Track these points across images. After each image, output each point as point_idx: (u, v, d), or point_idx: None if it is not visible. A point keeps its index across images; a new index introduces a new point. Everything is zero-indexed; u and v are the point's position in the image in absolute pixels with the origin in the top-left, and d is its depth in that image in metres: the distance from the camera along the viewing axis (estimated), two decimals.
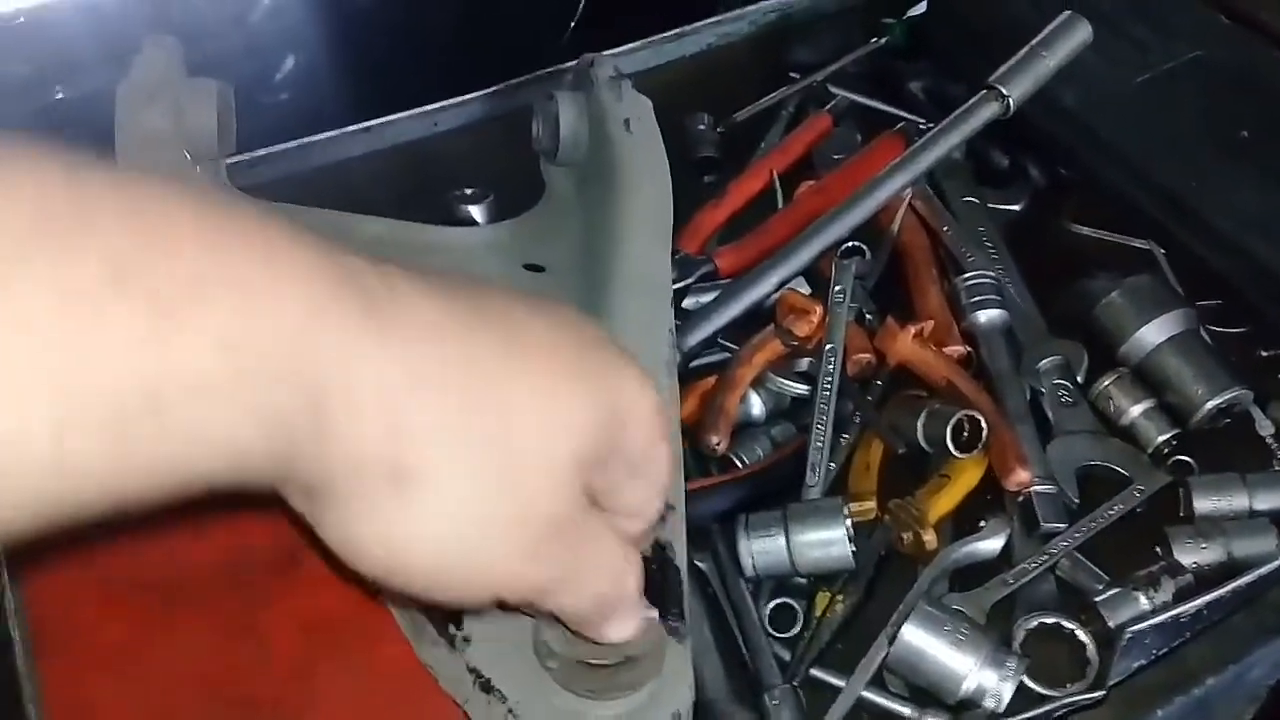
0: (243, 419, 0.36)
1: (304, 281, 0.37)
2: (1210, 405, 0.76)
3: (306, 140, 0.93)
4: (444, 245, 0.86)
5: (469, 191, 0.89)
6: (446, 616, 0.58)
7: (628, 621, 0.51)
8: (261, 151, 0.91)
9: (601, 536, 0.48)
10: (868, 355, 0.81)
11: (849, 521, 0.70)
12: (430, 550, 0.42)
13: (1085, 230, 0.93)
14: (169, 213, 0.36)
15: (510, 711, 0.55)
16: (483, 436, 0.42)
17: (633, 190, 0.82)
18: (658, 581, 0.61)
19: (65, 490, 0.34)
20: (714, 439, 0.74)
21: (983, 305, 0.82)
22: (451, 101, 0.98)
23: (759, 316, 0.82)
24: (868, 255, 0.86)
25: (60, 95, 1.11)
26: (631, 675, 0.55)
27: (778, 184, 0.92)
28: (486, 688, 0.56)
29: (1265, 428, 0.78)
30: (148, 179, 0.37)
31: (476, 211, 0.89)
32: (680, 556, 0.63)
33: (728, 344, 0.82)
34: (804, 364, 0.81)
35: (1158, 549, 0.72)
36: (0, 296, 0.32)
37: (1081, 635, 0.67)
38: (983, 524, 0.73)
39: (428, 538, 0.42)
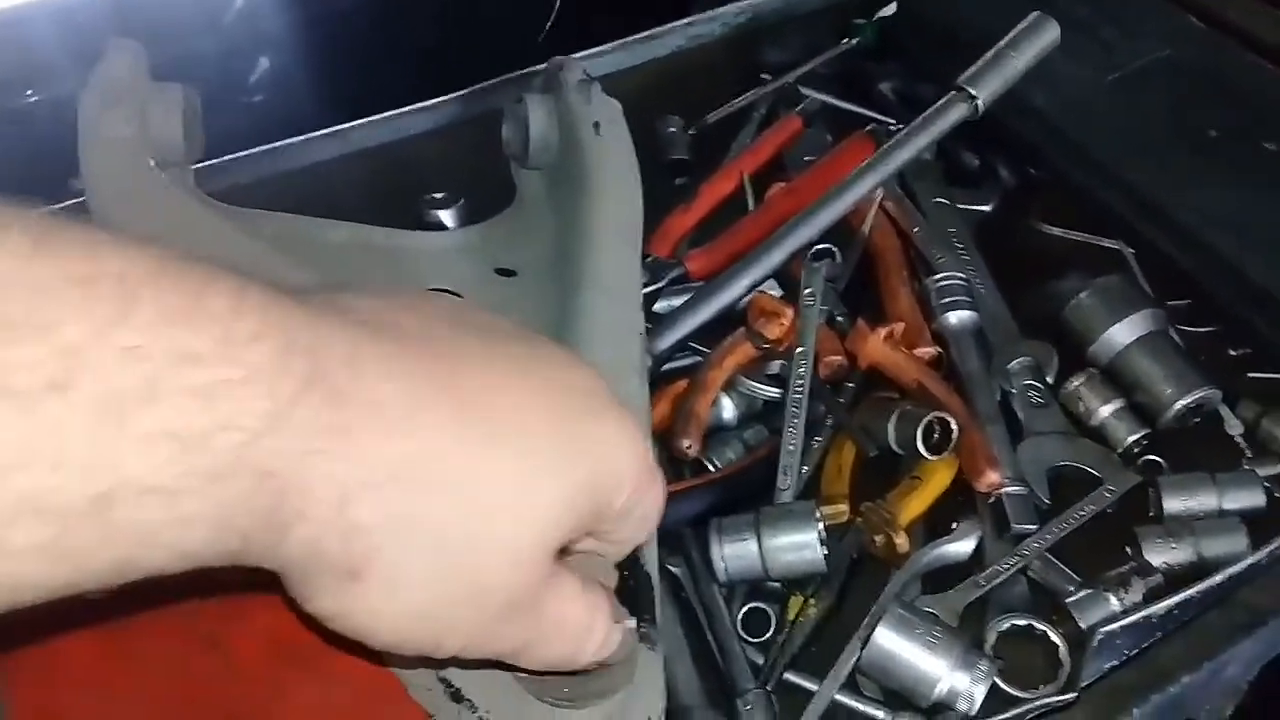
0: (194, 520, 0.36)
1: (267, 381, 0.36)
2: (1180, 405, 0.77)
3: (276, 145, 0.93)
4: (413, 250, 0.85)
5: (438, 196, 0.88)
6: None
7: (600, 653, 0.51)
8: (230, 156, 0.90)
9: (563, 605, 0.48)
10: (839, 357, 0.81)
11: (821, 525, 0.70)
12: (388, 627, 0.43)
13: (1055, 230, 0.93)
14: (128, 295, 0.33)
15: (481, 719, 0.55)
16: (440, 529, 0.41)
17: (602, 194, 0.81)
18: (630, 588, 0.61)
19: (6, 581, 0.33)
20: (686, 443, 0.74)
21: (953, 306, 0.82)
22: (421, 105, 0.98)
23: (730, 320, 0.82)
24: (838, 257, 0.86)
25: (33, 98, 1.10)
26: (603, 683, 0.54)
27: (748, 186, 0.92)
28: (457, 697, 0.55)
29: (1234, 427, 0.78)
30: (111, 244, 0.34)
31: (446, 216, 0.88)
32: (652, 563, 0.62)
33: (699, 347, 0.82)
34: (775, 367, 0.81)
35: (1128, 549, 0.72)
36: None
37: (1053, 636, 0.68)
38: (954, 526, 0.73)
39: (384, 617, 0.42)
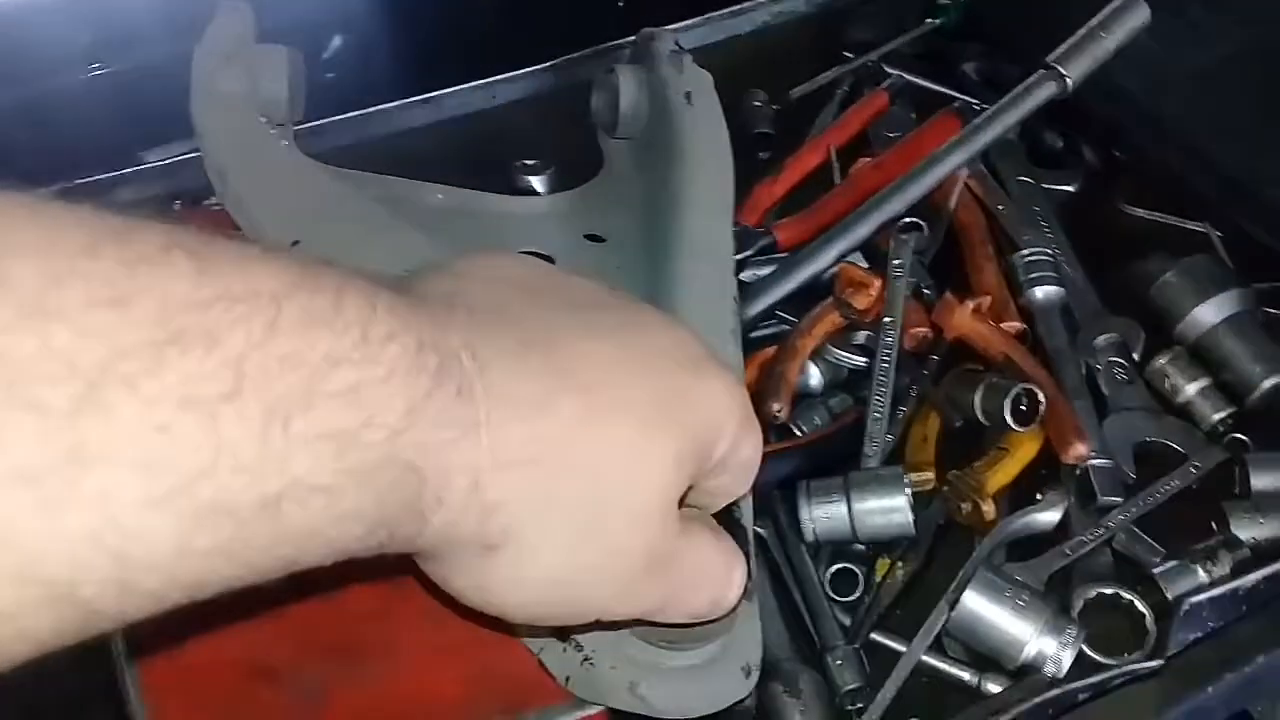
0: (352, 515, 0.38)
1: (403, 378, 0.38)
2: (1268, 385, 0.77)
3: (368, 110, 0.95)
4: (506, 214, 0.87)
5: (530, 162, 0.90)
6: None
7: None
8: (326, 120, 0.92)
9: (700, 551, 0.51)
10: (925, 329, 0.82)
11: (909, 489, 0.71)
12: (526, 598, 0.46)
13: (1139, 211, 0.93)
14: (278, 306, 0.35)
15: (586, 659, 0.56)
16: (569, 499, 0.44)
17: (694, 162, 0.83)
18: None
19: (187, 581, 0.35)
20: (775, 406, 0.75)
21: (1040, 282, 0.83)
22: (511, 74, 0.99)
23: (816, 290, 0.83)
24: (925, 231, 0.86)
25: (98, 71, 1.12)
26: (704, 628, 0.56)
27: (834, 160, 0.93)
28: (563, 636, 0.57)
29: None
30: (259, 260, 0.36)
31: (537, 182, 0.90)
32: (747, 516, 0.64)
33: (786, 315, 0.83)
34: (861, 337, 0.82)
35: (1214, 525, 0.73)
36: (131, 400, 0.32)
37: (1140, 606, 0.68)
38: (1040, 496, 0.74)
39: (523, 588, 0.45)
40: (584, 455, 0.44)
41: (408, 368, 0.38)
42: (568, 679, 0.57)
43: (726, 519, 0.63)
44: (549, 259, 0.81)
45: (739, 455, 0.52)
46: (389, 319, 0.38)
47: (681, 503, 0.50)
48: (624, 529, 0.46)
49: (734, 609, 0.56)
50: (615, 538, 0.46)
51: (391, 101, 0.95)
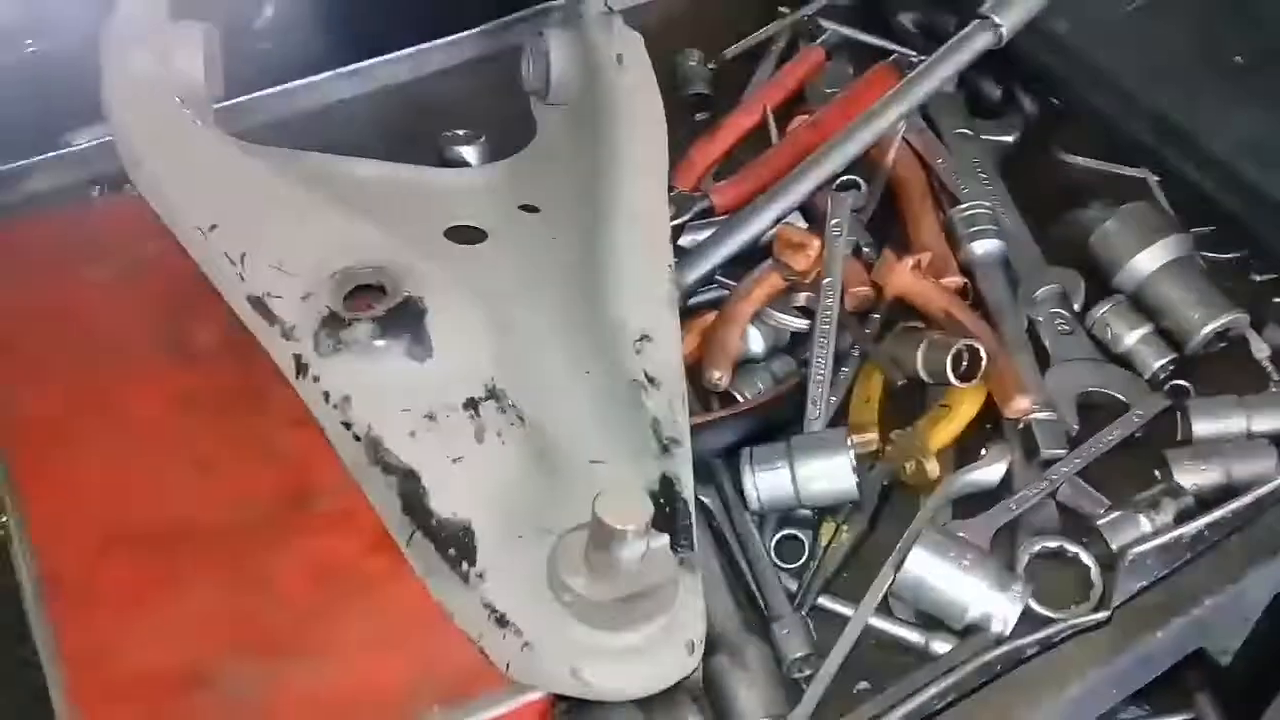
0: None
1: None
2: (1207, 330, 0.77)
3: (292, 85, 0.92)
4: (439, 187, 0.85)
5: (461, 133, 0.88)
6: (459, 554, 0.58)
7: None
8: (245, 97, 0.90)
9: None
10: (865, 288, 0.81)
11: (853, 451, 0.70)
12: None
13: (1078, 160, 0.93)
14: None
15: (526, 644, 0.55)
16: None
17: (627, 126, 0.81)
18: (666, 515, 0.62)
19: None
20: (716, 374, 0.74)
21: (979, 235, 0.82)
22: (440, 42, 0.97)
23: (754, 253, 0.82)
24: (863, 189, 0.85)
25: (32, 48, 1.08)
26: (646, 607, 0.55)
27: (771, 119, 0.91)
28: (502, 622, 0.56)
29: (1261, 350, 0.78)
30: None
31: (469, 153, 0.88)
32: (687, 489, 0.63)
33: (725, 280, 0.82)
34: (801, 299, 0.81)
35: (1157, 473, 0.73)
36: None
37: (1085, 558, 0.68)
38: (983, 453, 0.73)
39: None
40: None
41: None
42: (508, 665, 0.56)
43: (668, 492, 0.62)
44: (478, 231, 0.79)
45: None
46: None
47: None
48: None
49: (672, 585, 0.56)
50: None
51: (322, 73, 0.92)
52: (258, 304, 0.65)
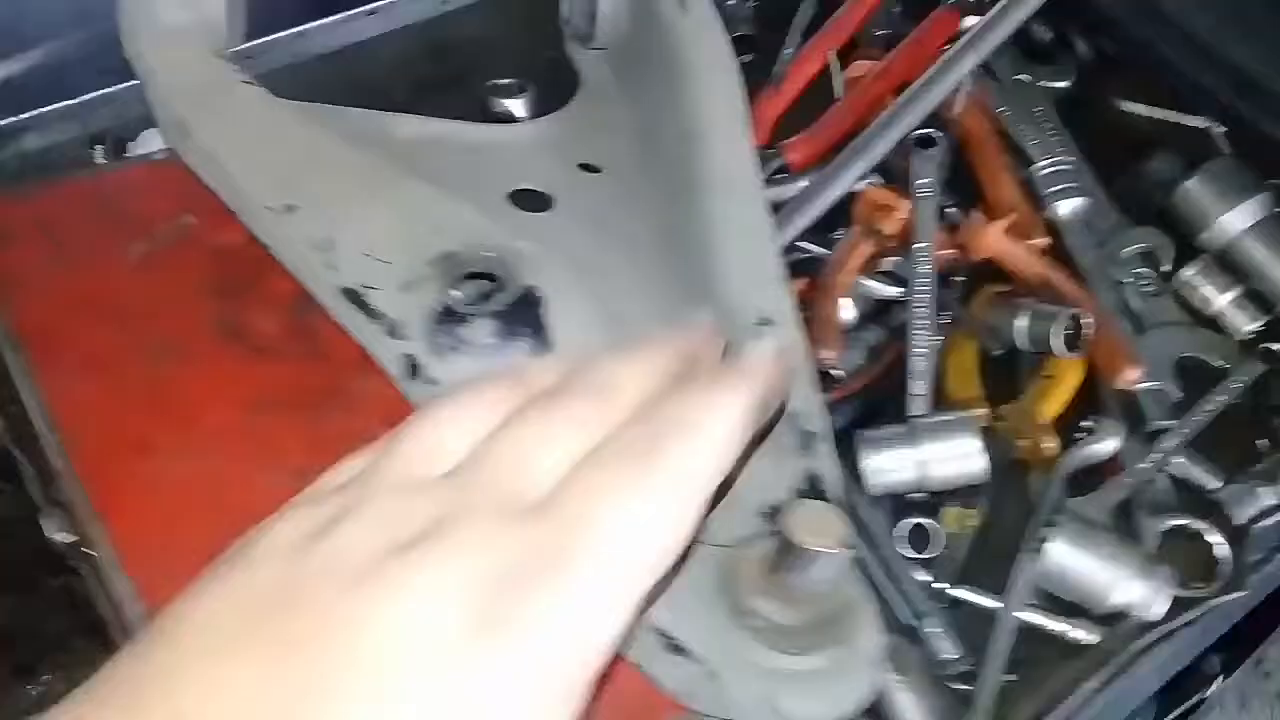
0: None
1: None
2: None
3: (307, 27, 0.82)
4: (489, 145, 0.77)
5: (507, 83, 0.80)
6: None
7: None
8: (257, 41, 0.80)
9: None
10: (951, 251, 0.77)
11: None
12: None
13: (1138, 109, 0.90)
14: None
15: (711, 674, 0.51)
16: None
17: (699, 80, 0.75)
18: None
19: None
20: (827, 354, 0.70)
21: (1064, 194, 0.79)
22: None
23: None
24: (941, 144, 0.81)
25: None
26: (835, 626, 0.51)
27: (835, 66, 0.86)
28: (677, 649, 0.52)
29: None
30: None
31: (516, 106, 0.80)
32: (836, 487, 0.59)
33: (804, 245, 0.77)
34: (887, 263, 0.77)
35: (1258, 441, 0.72)
36: None
37: (1210, 535, 0.67)
38: (1092, 425, 0.71)
39: None
40: None
41: None
42: (683, 694, 0.52)
43: (815, 492, 0.58)
44: (543, 196, 0.73)
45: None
46: None
47: None
48: None
49: (856, 601, 0.52)
50: None
51: (338, 13, 0.83)
52: (353, 297, 0.58)
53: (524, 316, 0.57)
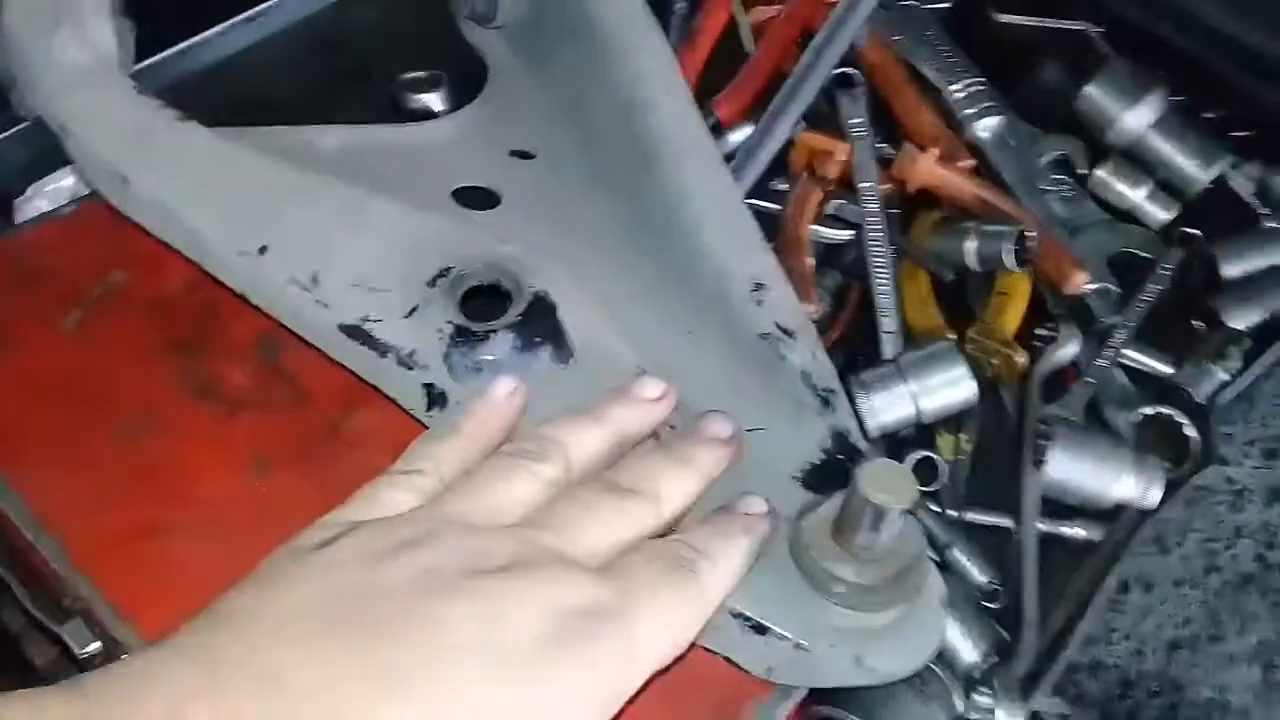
0: None
1: None
2: (1207, 177, 0.80)
3: (187, 43, 0.76)
4: (419, 145, 0.74)
5: (419, 76, 0.77)
6: None
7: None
8: (139, 66, 0.73)
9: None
10: (888, 185, 0.79)
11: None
12: None
13: (1015, 19, 0.93)
14: None
15: (799, 646, 0.52)
16: None
17: (628, 46, 0.73)
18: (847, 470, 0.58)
19: None
20: (810, 308, 0.70)
21: (981, 115, 0.82)
22: None
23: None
24: (861, 82, 0.82)
25: None
26: (908, 579, 0.53)
27: (743, 17, 0.85)
28: (760, 629, 0.52)
29: (1245, 188, 0.83)
30: None
31: (433, 100, 0.77)
32: (861, 441, 0.60)
33: (754, 201, 0.77)
34: (831, 207, 0.78)
35: (1197, 323, 0.77)
36: None
37: (1180, 418, 0.71)
38: (1050, 332, 0.74)
39: None
40: None
41: None
42: (770, 670, 0.53)
43: (844, 446, 0.59)
44: (488, 192, 0.70)
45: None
46: None
47: None
48: None
49: (921, 552, 0.53)
50: None
51: (213, 27, 0.77)
52: (355, 333, 0.55)
53: (541, 324, 0.56)
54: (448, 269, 0.57)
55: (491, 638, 0.42)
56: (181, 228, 0.57)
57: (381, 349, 0.54)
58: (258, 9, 0.79)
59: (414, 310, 0.55)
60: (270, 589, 0.43)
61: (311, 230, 0.57)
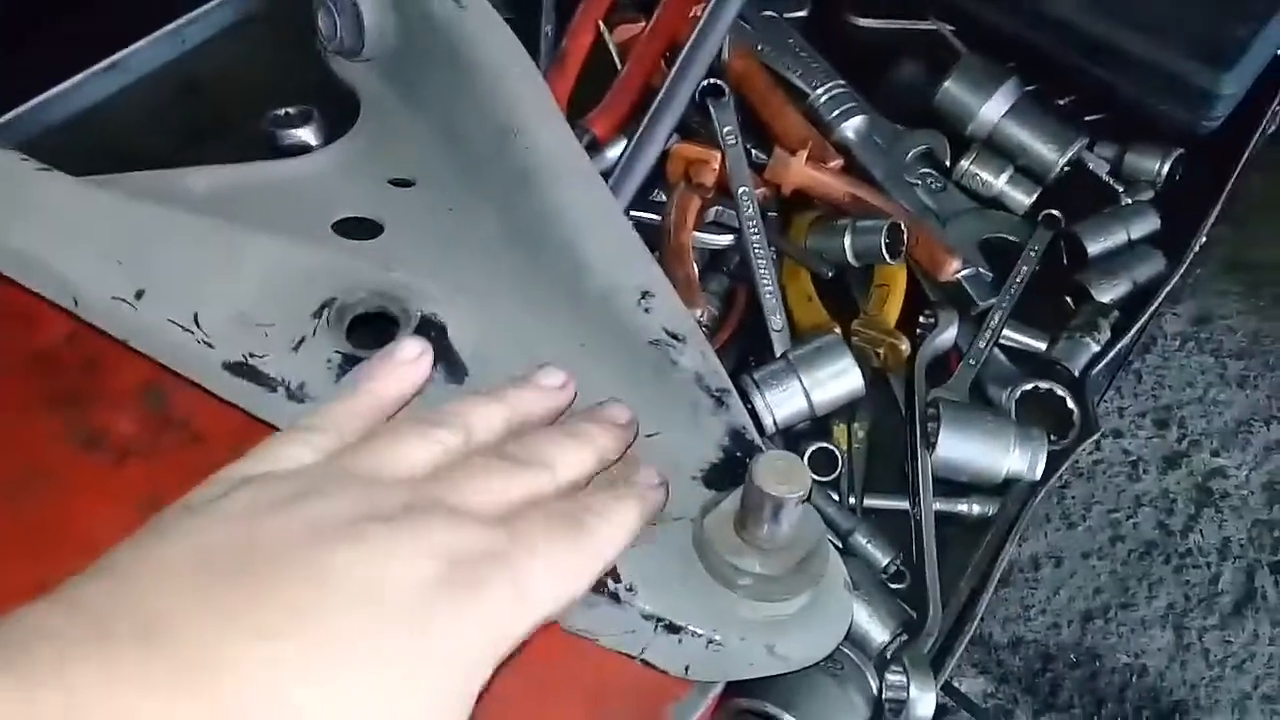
0: None
1: None
2: (1064, 160, 0.84)
3: (45, 96, 0.74)
4: (292, 181, 0.73)
5: (290, 112, 0.76)
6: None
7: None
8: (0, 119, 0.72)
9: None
10: (763, 189, 0.81)
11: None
12: None
13: (872, 23, 0.97)
14: None
15: (712, 642, 0.52)
16: None
17: (497, 73, 0.74)
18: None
19: None
20: (698, 313, 0.72)
21: (846, 115, 0.84)
22: (198, 11, 0.82)
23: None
24: (728, 92, 0.84)
25: None
26: (810, 565, 0.54)
27: (608, 36, 0.87)
28: (673, 629, 0.53)
29: (1101, 167, 0.87)
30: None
31: (307, 134, 0.76)
32: (757, 437, 0.61)
33: (635, 213, 0.78)
34: (710, 214, 0.80)
35: (1065, 299, 0.80)
36: None
37: (1059, 390, 0.74)
38: (930, 318, 0.77)
39: None
40: None
41: None
42: (687, 668, 0.53)
43: (742, 444, 0.60)
44: (370, 222, 0.70)
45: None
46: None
47: None
48: None
49: (822, 543, 0.54)
50: None
51: (69, 79, 0.75)
52: (242, 370, 0.54)
53: (432, 346, 0.55)
54: (332, 299, 0.56)
55: (376, 582, 0.42)
56: (54, 278, 0.56)
57: (270, 384, 0.54)
58: (115, 57, 0.77)
59: (301, 343, 0.55)
60: (158, 541, 0.43)
61: (188, 270, 0.56)
